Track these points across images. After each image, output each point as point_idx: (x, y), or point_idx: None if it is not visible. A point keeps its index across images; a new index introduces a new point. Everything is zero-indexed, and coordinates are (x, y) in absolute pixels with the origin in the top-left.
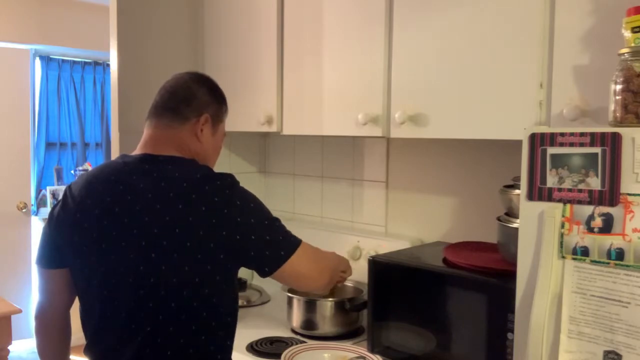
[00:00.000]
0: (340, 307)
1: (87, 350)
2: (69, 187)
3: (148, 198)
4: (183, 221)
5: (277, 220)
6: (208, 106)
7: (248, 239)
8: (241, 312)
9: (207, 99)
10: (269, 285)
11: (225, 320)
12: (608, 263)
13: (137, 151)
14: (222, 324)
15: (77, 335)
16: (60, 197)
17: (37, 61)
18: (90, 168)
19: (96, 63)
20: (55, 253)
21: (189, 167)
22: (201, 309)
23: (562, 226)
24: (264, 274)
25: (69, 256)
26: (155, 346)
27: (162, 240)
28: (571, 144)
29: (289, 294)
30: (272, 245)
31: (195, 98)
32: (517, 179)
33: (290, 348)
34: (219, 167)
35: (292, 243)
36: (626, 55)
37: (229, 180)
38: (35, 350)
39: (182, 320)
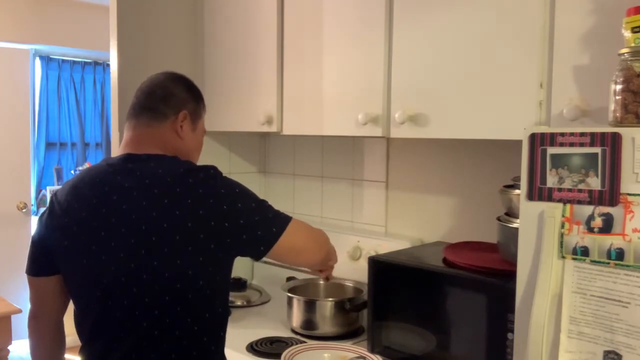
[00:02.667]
0: (340, 307)
1: (83, 351)
2: (55, 194)
3: (134, 196)
4: (170, 215)
5: (264, 201)
6: (186, 103)
7: (237, 224)
8: (241, 312)
9: (185, 96)
10: (269, 285)
11: (217, 311)
12: (608, 263)
13: (119, 153)
14: (214, 315)
15: (73, 337)
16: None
17: (37, 61)
18: None
19: (96, 63)
20: (45, 260)
21: (171, 163)
22: (195, 301)
23: (562, 226)
24: (259, 254)
25: (59, 261)
26: (152, 341)
27: (151, 237)
28: (571, 144)
29: (289, 294)
30: (263, 224)
31: (172, 96)
32: (517, 179)
33: (290, 348)
34: (219, 167)
35: (283, 219)
36: (626, 55)
37: (211, 172)
38: None
39: (177, 312)
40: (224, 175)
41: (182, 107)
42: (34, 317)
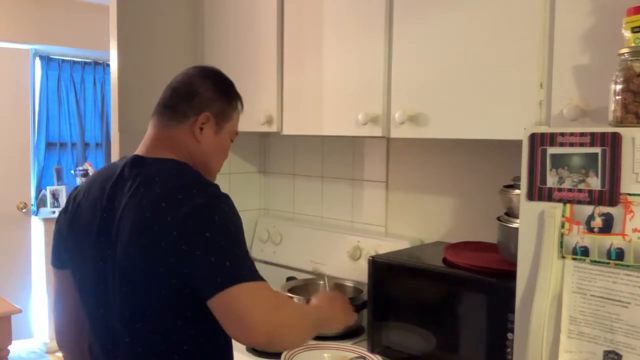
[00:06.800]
0: None
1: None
2: (75, 189)
3: (127, 205)
4: (149, 231)
5: (239, 248)
6: (211, 103)
7: (193, 255)
8: None
9: (210, 96)
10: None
11: (193, 346)
12: (608, 263)
13: (135, 151)
14: (193, 347)
15: None
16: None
17: (37, 61)
18: (90, 168)
19: (96, 63)
20: (61, 254)
21: (172, 172)
22: (168, 331)
23: (562, 226)
24: (203, 300)
25: (69, 259)
26: (137, 357)
27: (129, 250)
28: (571, 144)
29: (289, 294)
30: (213, 268)
31: (196, 95)
32: (517, 179)
33: None
34: None
35: (238, 274)
36: (626, 55)
37: (208, 191)
38: (35, 350)
39: (160, 340)
40: (225, 200)
41: (204, 108)
42: (56, 304)
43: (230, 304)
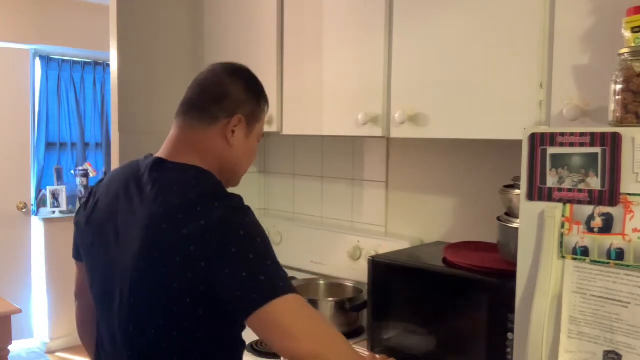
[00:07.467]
0: (340, 307)
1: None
2: (97, 184)
3: (141, 212)
4: (162, 244)
5: (269, 259)
6: (243, 105)
7: (220, 273)
8: None
9: (242, 97)
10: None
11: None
12: (608, 263)
13: (158, 152)
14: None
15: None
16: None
17: (37, 61)
18: (90, 168)
19: (96, 63)
20: (78, 248)
21: (192, 182)
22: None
23: (562, 226)
24: (239, 319)
25: (82, 253)
26: None
27: (140, 262)
28: (571, 144)
29: None
30: (247, 284)
31: (227, 96)
32: (517, 179)
33: None
34: None
35: (274, 288)
36: (626, 55)
37: (229, 203)
38: (35, 350)
39: (160, 353)
40: (246, 211)
41: (236, 110)
42: (76, 297)
43: (272, 319)
